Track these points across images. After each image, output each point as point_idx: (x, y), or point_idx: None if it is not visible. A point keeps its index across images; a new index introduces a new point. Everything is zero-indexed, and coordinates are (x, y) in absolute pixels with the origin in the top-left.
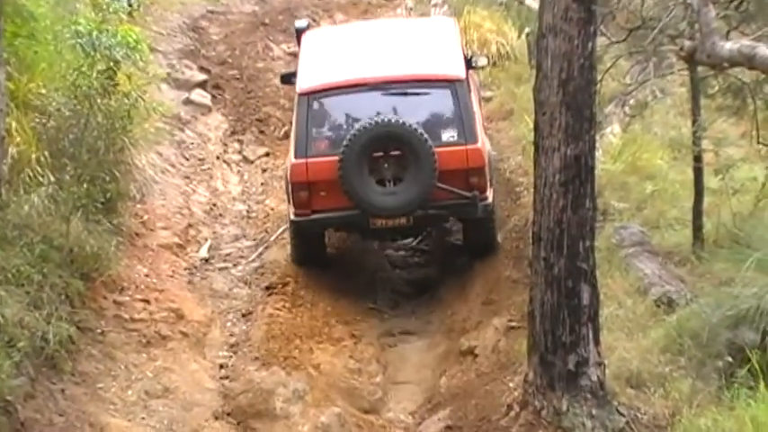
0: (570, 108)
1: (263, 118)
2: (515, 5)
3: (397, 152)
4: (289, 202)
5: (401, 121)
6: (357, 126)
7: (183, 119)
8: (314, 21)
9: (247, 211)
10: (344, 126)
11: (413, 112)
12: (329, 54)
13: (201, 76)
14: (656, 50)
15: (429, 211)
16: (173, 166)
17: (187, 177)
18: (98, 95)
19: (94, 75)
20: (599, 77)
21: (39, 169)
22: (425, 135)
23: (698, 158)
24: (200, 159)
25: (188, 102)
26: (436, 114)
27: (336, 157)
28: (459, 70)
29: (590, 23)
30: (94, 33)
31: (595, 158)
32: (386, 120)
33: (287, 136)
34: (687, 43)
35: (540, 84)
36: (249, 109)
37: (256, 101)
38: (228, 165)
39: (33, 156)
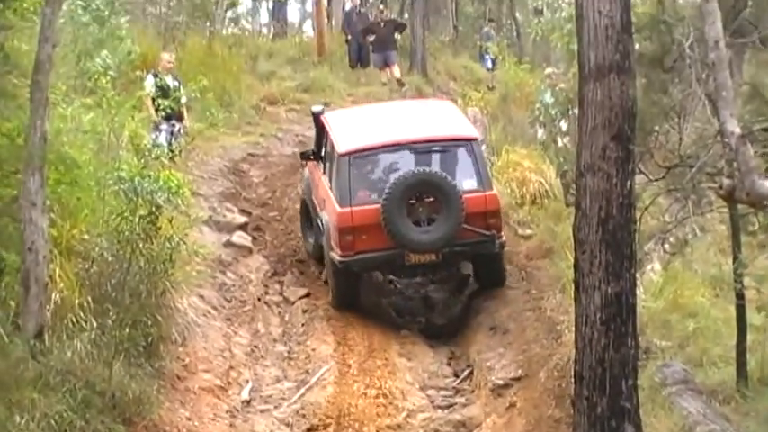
0: (610, 246)
1: (304, 259)
2: (552, 144)
3: (429, 198)
4: (331, 248)
5: (434, 171)
6: (397, 176)
7: (224, 261)
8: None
9: (288, 353)
10: (381, 179)
11: (438, 166)
12: (356, 125)
13: (242, 219)
14: (694, 188)
15: (455, 249)
16: (214, 308)
17: (228, 319)
18: (140, 240)
19: (137, 220)
20: (638, 215)
21: (81, 314)
22: (455, 182)
23: (740, 296)
24: (241, 301)
25: (229, 244)
26: (457, 167)
27: (376, 205)
28: (473, 132)
29: (628, 162)
30: (137, 179)
31: (636, 296)
32: (421, 170)
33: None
34: (726, 181)
35: (580, 222)
36: (290, 250)
37: (297, 242)
38: (269, 306)
39: (76, 301)
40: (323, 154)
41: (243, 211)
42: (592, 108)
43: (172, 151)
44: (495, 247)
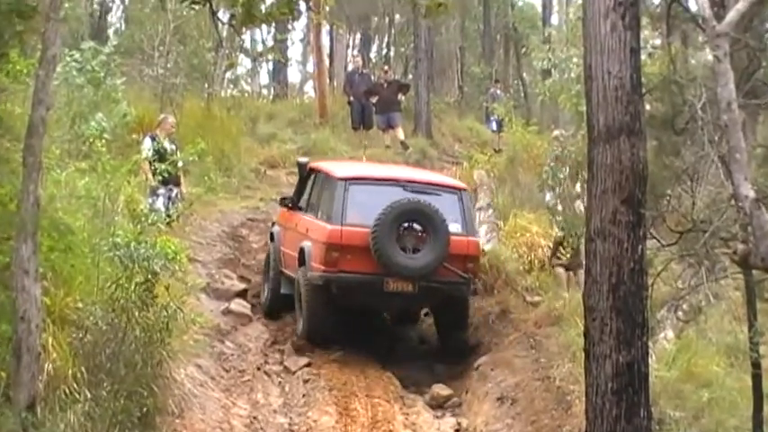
0: (621, 313)
1: None
2: (560, 209)
3: (419, 228)
4: (311, 268)
5: (428, 203)
6: (392, 201)
7: (222, 329)
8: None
9: (289, 425)
10: (373, 206)
11: None
12: (352, 166)
13: (241, 286)
14: (708, 254)
15: (432, 284)
16: (212, 378)
17: (227, 390)
18: (136, 308)
19: (132, 287)
20: (650, 282)
21: (75, 385)
22: (444, 216)
23: (756, 365)
24: (240, 371)
25: (227, 312)
26: (446, 211)
27: (365, 230)
28: (464, 185)
29: (639, 226)
30: (133, 245)
31: (649, 365)
32: (415, 199)
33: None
34: (740, 247)
35: (590, 288)
36: (290, 318)
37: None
38: (269, 376)
39: (69, 372)
40: (302, 203)
41: (242, 278)
42: (601, 171)
43: (169, 216)
44: (469, 291)
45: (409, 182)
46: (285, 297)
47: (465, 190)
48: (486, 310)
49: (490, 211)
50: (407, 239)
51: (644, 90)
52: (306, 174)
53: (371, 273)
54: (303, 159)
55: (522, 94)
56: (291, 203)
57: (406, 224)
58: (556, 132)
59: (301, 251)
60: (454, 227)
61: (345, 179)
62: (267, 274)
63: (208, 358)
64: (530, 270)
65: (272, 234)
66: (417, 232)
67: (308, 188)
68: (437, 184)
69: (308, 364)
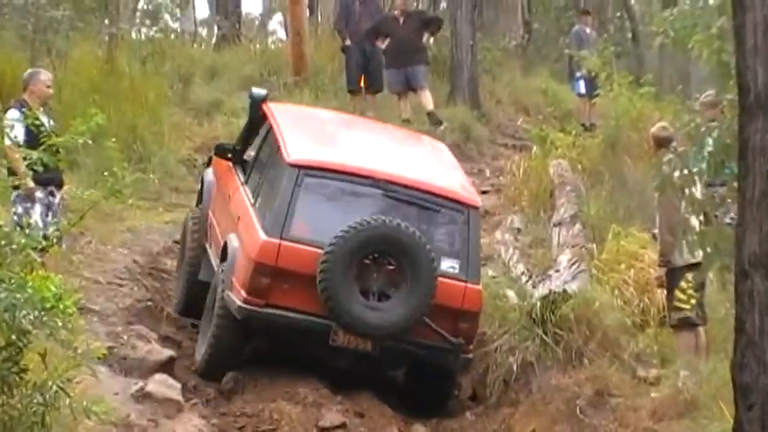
0: None
1: (273, 416)
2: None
3: (391, 264)
4: (230, 287)
5: (411, 230)
6: (356, 220)
7: (134, 425)
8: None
9: None
10: (334, 217)
11: (415, 226)
12: (320, 131)
13: (166, 353)
14: None
15: (402, 345)
16: None
17: None
18: None
19: None
20: None
21: None
22: (433, 253)
23: None
24: None
25: (143, 396)
26: (440, 238)
27: (316, 250)
28: (476, 197)
29: None
30: None
31: None
32: (393, 222)
33: None
34: None
35: (743, 356)
36: (245, 401)
37: (257, 386)
38: None
39: None
40: (249, 157)
41: (166, 339)
42: (761, 160)
43: (46, 238)
44: (456, 362)
45: (397, 184)
46: (204, 288)
47: (477, 208)
48: (572, 391)
49: (576, 227)
50: (373, 279)
51: None
52: (258, 116)
53: (315, 315)
54: (259, 92)
55: (630, 35)
56: (233, 155)
57: (373, 256)
58: (706, 95)
59: (225, 246)
60: (449, 263)
61: (300, 166)
62: (184, 248)
63: None
64: (643, 325)
65: (201, 182)
66: (389, 269)
67: (258, 140)
68: (440, 195)
69: None
